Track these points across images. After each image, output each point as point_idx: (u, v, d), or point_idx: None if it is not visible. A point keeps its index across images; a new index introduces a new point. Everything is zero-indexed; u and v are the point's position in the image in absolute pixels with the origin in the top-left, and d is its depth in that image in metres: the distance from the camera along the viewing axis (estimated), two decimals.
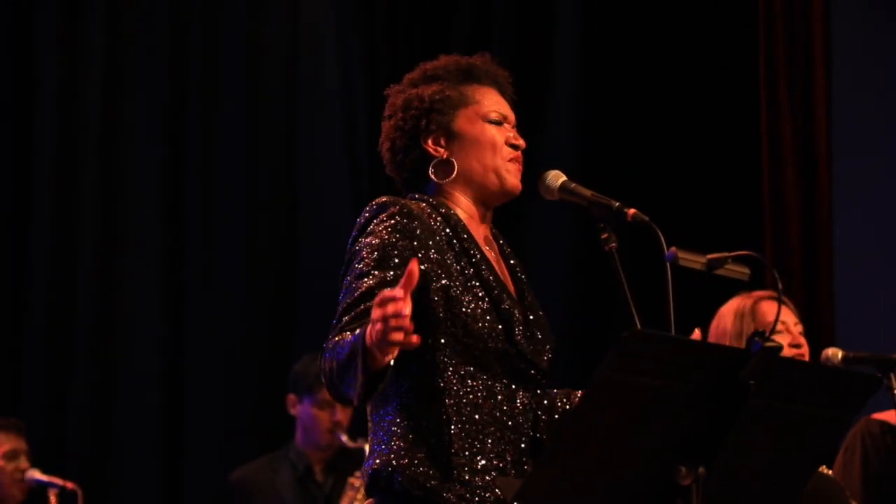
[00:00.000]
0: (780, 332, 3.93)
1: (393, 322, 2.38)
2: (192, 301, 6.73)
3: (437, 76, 2.96)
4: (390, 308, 2.38)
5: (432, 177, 2.90)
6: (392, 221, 2.77)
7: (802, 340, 3.97)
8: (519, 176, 2.92)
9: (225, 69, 6.91)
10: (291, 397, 5.52)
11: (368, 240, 2.77)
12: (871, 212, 5.83)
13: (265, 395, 6.47)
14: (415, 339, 2.41)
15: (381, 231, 2.76)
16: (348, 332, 2.61)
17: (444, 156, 2.90)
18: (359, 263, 2.74)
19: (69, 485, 5.69)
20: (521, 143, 2.94)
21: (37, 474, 5.69)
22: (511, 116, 2.96)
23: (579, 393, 2.93)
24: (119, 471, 6.57)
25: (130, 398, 6.62)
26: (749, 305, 3.95)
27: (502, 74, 3.00)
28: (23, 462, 5.65)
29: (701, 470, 2.41)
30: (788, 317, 4.00)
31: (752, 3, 6.04)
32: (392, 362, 2.50)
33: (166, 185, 6.82)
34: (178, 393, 6.66)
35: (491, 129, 2.91)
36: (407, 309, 2.38)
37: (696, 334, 2.86)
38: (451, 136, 2.91)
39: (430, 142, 2.91)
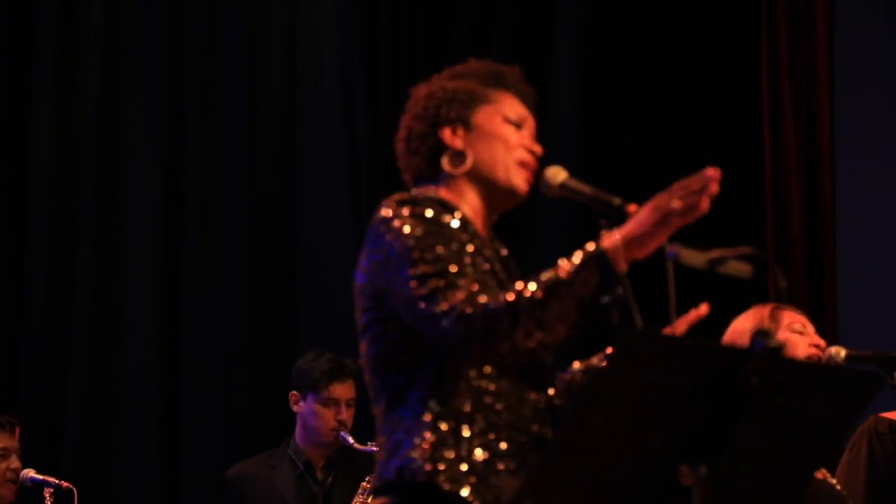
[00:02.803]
0: (800, 331, 3.94)
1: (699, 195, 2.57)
2: (190, 299, 6.73)
3: (465, 74, 2.98)
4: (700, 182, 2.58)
5: (445, 166, 2.90)
6: (415, 218, 2.76)
7: (821, 342, 3.97)
8: (528, 180, 2.92)
9: (224, 68, 6.90)
10: (294, 394, 5.49)
11: (403, 234, 2.74)
12: (874, 210, 5.82)
13: (264, 392, 6.46)
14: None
15: (410, 225, 2.75)
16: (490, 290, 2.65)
17: (460, 146, 2.90)
18: (408, 254, 2.71)
19: (65, 484, 5.68)
20: (537, 148, 2.94)
21: (32, 473, 5.67)
22: (531, 123, 2.97)
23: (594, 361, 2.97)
24: (115, 470, 6.56)
25: (128, 396, 6.62)
26: (768, 310, 3.97)
27: (528, 91, 3.01)
28: (13, 461, 5.62)
29: (703, 469, 2.40)
30: (808, 324, 4.01)
31: (755, 0, 6.03)
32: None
33: (165, 183, 6.82)
34: (176, 391, 6.66)
35: (507, 128, 2.92)
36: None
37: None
38: (469, 128, 2.91)
39: (447, 131, 2.91)
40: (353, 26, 6.83)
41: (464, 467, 2.68)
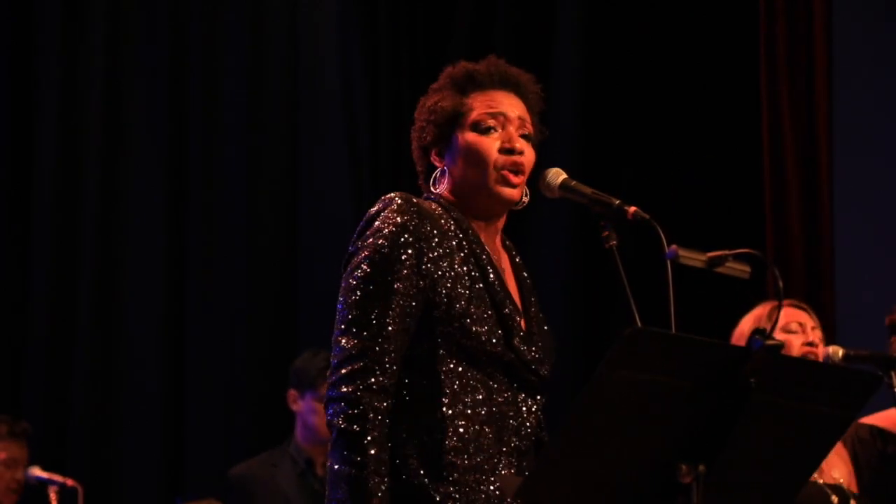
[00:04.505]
0: (794, 331, 3.94)
1: None
2: (193, 297, 6.75)
3: (442, 87, 2.96)
4: None
5: (431, 188, 2.92)
6: (399, 220, 2.77)
7: (817, 341, 3.97)
8: (515, 183, 2.87)
9: (226, 68, 6.91)
10: (292, 393, 5.51)
11: (373, 240, 2.77)
12: (873, 209, 5.83)
13: (265, 392, 6.47)
14: None
15: (388, 228, 2.76)
16: (367, 394, 2.66)
17: (442, 166, 2.92)
18: (360, 271, 2.76)
19: (69, 482, 5.69)
20: (516, 145, 2.87)
21: (37, 471, 5.69)
22: (511, 114, 2.90)
23: None
24: (119, 468, 6.58)
25: (131, 395, 6.63)
26: (767, 310, 3.96)
27: (513, 73, 2.96)
28: (19, 472, 5.65)
29: (701, 467, 2.41)
30: (806, 319, 4.00)
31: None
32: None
33: (167, 184, 6.83)
34: (179, 389, 6.67)
35: (478, 140, 2.88)
36: None
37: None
38: (447, 147, 2.92)
39: (433, 153, 2.94)
40: (353, 26, 6.84)
41: (434, 465, 2.69)
